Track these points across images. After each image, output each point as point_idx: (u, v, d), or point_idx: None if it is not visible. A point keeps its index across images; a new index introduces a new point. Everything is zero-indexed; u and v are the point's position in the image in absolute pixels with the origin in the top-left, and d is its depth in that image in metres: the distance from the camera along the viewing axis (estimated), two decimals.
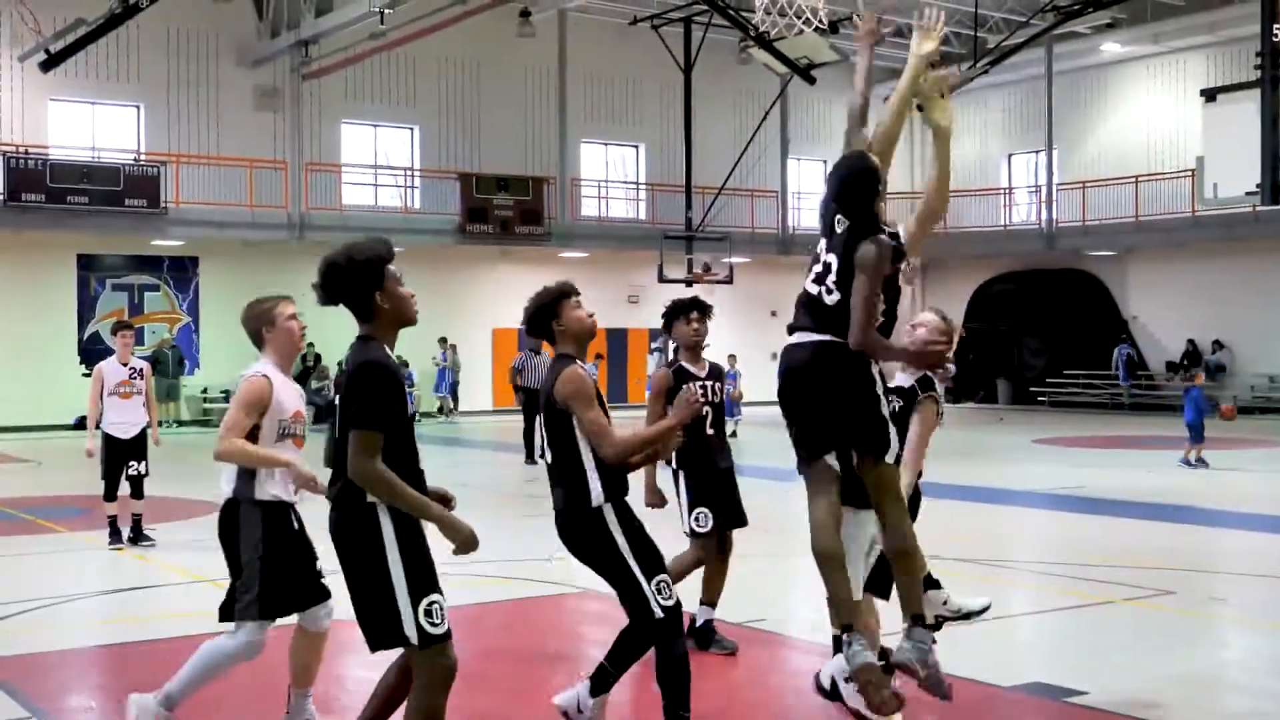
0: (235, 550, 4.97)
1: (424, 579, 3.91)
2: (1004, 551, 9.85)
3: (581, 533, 4.77)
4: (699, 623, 6.43)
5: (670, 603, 4.78)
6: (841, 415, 4.56)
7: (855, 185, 4.58)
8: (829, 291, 4.54)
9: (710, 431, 6.50)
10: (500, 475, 16.83)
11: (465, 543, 3.96)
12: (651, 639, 4.81)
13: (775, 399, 4.71)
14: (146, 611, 8.08)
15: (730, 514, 6.59)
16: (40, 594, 8.32)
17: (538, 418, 5.03)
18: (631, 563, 4.74)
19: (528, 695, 5.75)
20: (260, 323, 4.97)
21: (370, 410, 3.86)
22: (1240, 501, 13.03)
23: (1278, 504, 12.74)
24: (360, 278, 3.99)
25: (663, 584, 4.78)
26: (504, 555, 8.97)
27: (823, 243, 4.66)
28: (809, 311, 4.62)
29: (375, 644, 3.99)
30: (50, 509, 12.66)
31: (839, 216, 4.61)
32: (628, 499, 4.84)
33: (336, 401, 4.04)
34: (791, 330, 4.66)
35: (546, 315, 4.86)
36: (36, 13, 21.30)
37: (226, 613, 4.98)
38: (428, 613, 3.86)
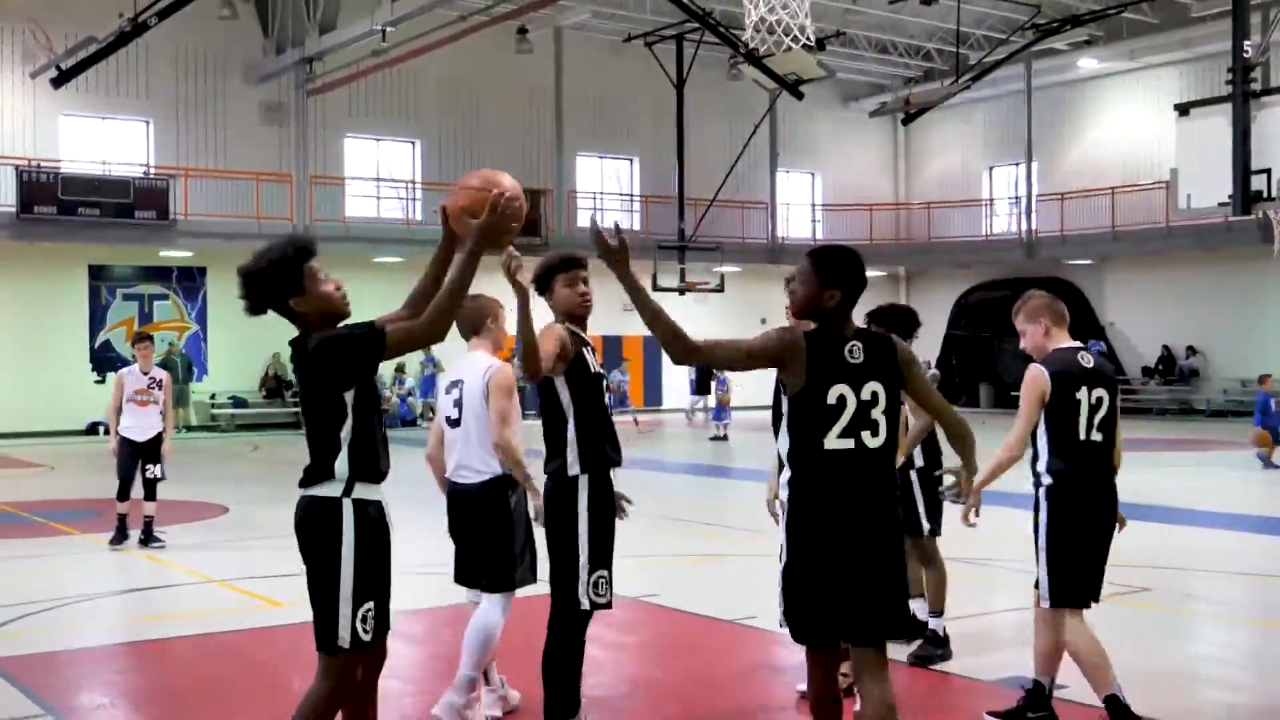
0: (503, 527, 5.12)
1: (370, 584, 3.76)
2: (988, 551, 9.84)
3: (555, 499, 4.63)
4: (937, 631, 6.17)
5: (602, 600, 4.59)
6: (895, 589, 3.90)
7: (859, 272, 3.95)
8: (874, 434, 3.82)
9: None
10: None
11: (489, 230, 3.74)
12: (562, 624, 4.60)
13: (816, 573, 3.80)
14: (157, 611, 8.07)
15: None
16: (53, 595, 8.31)
17: None
18: (582, 546, 4.56)
19: (528, 692, 5.75)
20: (485, 315, 5.29)
21: (361, 337, 3.72)
22: (1214, 502, 13.06)
23: (1250, 504, 12.79)
24: (270, 285, 3.80)
25: (601, 579, 4.59)
26: None
27: (839, 389, 3.79)
28: (857, 470, 3.79)
29: (316, 642, 3.78)
30: (63, 512, 12.63)
31: (851, 345, 3.83)
32: (614, 473, 4.71)
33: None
34: (833, 505, 3.79)
35: (540, 286, 4.77)
36: (48, 31, 21.33)
37: (503, 583, 5.11)
38: (363, 619, 3.73)
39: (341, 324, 3.86)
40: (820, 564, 3.79)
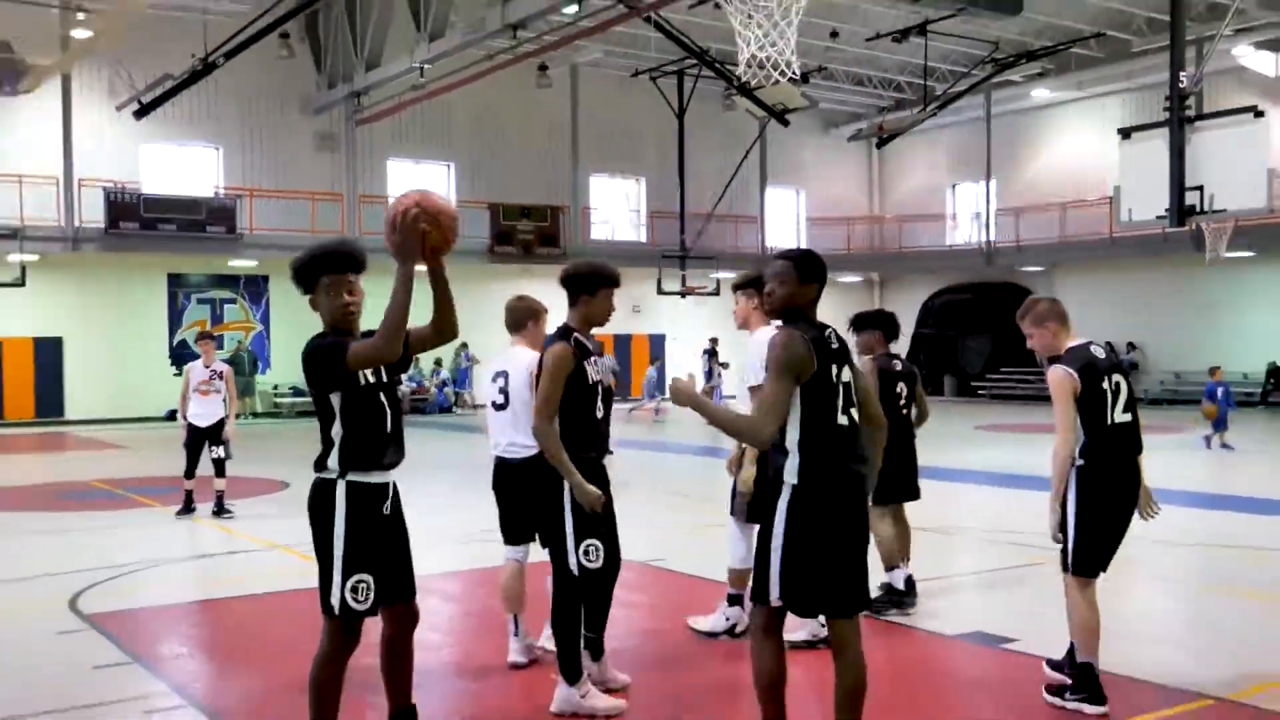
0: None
1: (360, 556, 3.66)
2: (953, 521, 9.86)
3: (544, 482, 4.59)
4: (902, 584, 6.28)
5: (594, 565, 4.48)
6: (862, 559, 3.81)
7: (825, 269, 3.92)
8: (857, 411, 3.81)
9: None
10: None
11: (424, 202, 3.61)
12: (560, 588, 4.53)
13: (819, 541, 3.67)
14: (229, 574, 8.12)
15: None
16: (137, 558, 8.37)
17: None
18: (567, 519, 4.46)
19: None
20: (531, 315, 5.31)
21: (330, 349, 3.65)
22: (1157, 479, 13.02)
23: (1185, 481, 12.77)
24: (297, 280, 3.79)
25: (592, 547, 4.46)
26: None
27: (833, 368, 3.76)
28: (852, 444, 3.77)
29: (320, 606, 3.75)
30: (145, 488, 12.70)
31: (828, 332, 3.82)
32: (604, 461, 4.63)
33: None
34: (841, 479, 3.71)
35: (586, 287, 4.59)
36: (131, 70, 21.41)
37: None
38: (354, 590, 3.65)
39: (362, 332, 3.77)
40: (830, 538, 3.68)
